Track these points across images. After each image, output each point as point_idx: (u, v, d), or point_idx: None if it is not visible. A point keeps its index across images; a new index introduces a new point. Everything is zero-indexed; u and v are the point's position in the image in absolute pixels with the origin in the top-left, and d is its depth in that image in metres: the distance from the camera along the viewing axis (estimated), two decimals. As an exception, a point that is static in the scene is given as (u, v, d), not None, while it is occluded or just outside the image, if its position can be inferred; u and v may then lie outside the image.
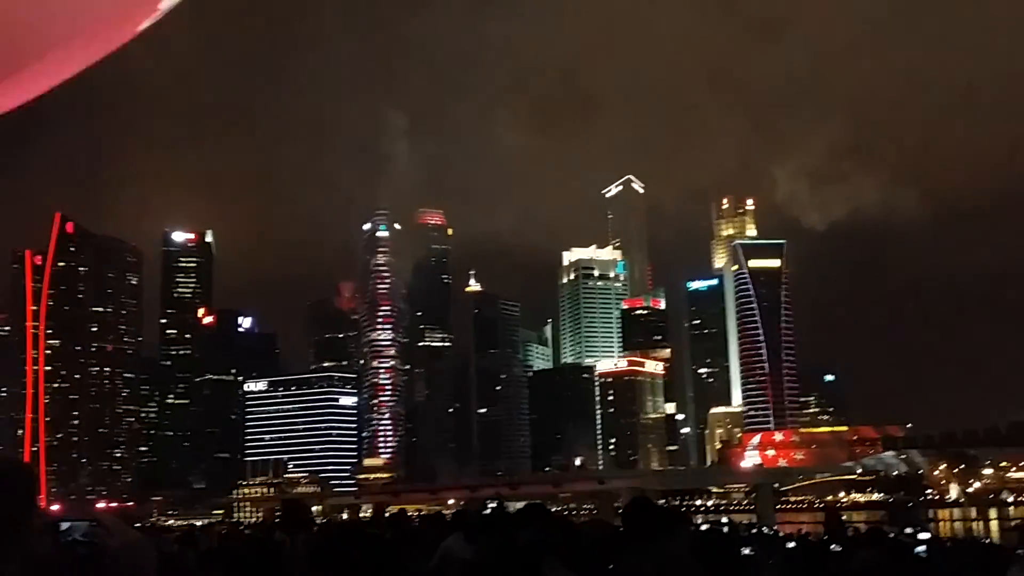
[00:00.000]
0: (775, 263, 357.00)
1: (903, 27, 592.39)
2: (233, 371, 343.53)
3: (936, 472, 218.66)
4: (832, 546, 15.58)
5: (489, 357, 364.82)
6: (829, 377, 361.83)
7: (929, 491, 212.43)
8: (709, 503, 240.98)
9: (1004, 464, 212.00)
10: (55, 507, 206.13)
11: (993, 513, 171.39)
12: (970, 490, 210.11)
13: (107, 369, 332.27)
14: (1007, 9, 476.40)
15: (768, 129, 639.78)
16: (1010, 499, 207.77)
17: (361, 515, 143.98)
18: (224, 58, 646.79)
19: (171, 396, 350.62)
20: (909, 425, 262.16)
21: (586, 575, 5.21)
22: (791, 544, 20.07)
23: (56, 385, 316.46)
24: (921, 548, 18.20)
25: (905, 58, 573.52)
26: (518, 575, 3.64)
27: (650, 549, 5.23)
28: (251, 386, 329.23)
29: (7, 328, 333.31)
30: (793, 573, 14.27)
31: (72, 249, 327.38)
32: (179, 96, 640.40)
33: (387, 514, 23.11)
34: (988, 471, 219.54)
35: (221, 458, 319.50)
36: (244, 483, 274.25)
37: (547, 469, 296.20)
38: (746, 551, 11.46)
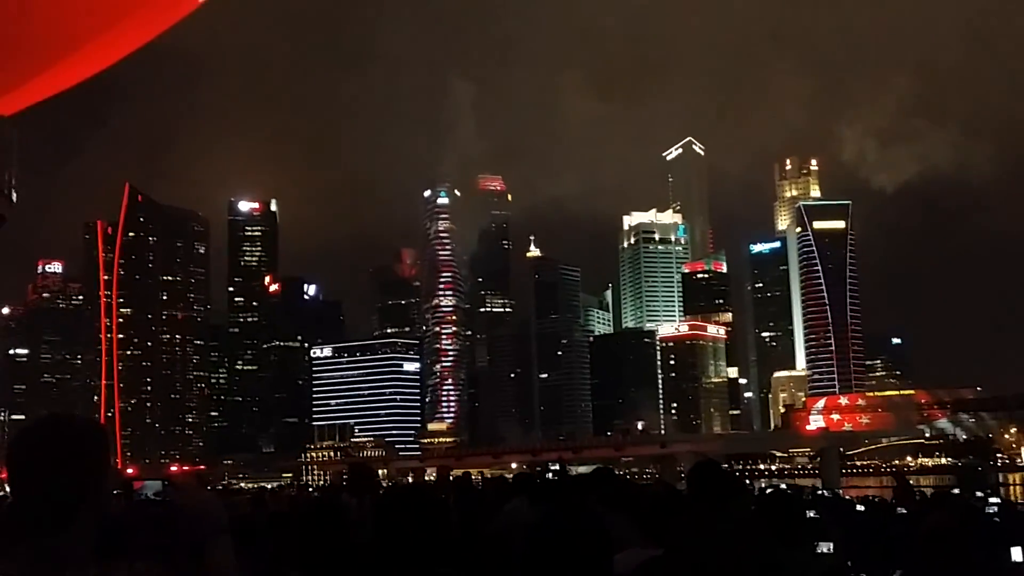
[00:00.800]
0: (840, 224, 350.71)
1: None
2: (299, 338, 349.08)
3: (1007, 435, 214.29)
4: (900, 509, 15.43)
5: (550, 322, 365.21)
6: (896, 340, 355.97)
7: (1000, 454, 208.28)
8: (773, 467, 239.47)
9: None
10: (130, 470, 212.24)
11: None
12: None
13: (177, 336, 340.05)
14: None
15: (833, 88, 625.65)
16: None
17: (426, 479, 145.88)
18: (288, 30, 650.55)
19: (240, 362, 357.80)
20: (979, 388, 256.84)
21: (652, 534, 5.25)
22: (859, 508, 19.89)
23: (129, 352, 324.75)
24: (992, 511, 17.92)
25: (973, 10, 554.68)
26: (585, 536, 3.65)
27: (715, 511, 5.18)
28: (317, 352, 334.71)
29: (81, 297, 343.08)
30: (861, 536, 14.15)
31: (141, 220, 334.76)
32: (244, 68, 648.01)
33: (451, 477, 23.40)
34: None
35: (289, 423, 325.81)
36: (311, 447, 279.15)
37: (608, 434, 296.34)
38: (811, 514, 11.40)
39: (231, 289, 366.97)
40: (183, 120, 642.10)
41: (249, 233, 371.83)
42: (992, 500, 24.16)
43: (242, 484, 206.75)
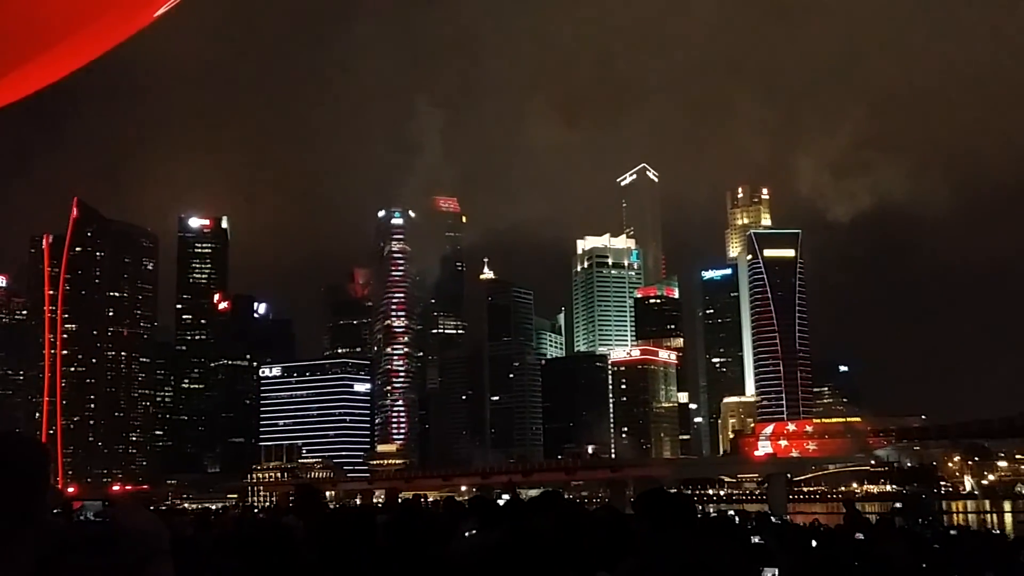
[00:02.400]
0: (790, 253, 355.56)
1: (926, 15, 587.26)
2: (248, 356, 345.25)
3: (950, 464, 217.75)
4: (851, 535, 15.58)
5: (502, 345, 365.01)
6: (844, 368, 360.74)
7: (943, 483, 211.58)
8: (721, 492, 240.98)
9: (1020, 456, 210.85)
10: (71, 489, 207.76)
11: (1007, 506, 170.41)
12: (984, 482, 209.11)
13: (123, 353, 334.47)
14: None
15: (789, 119, 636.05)
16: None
17: (374, 501, 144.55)
18: (241, 46, 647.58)
19: (186, 381, 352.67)
20: (924, 416, 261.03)
21: (600, 560, 5.30)
22: (804, 534, 20.03)
23: (73, 369, 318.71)
24: (934, 539, 18.17)
25: (925, 47, 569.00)
26: (536, 560, 3.65)
27: (660, 537, 5.33)
28: (266, 371, 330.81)
29: (24, 312, 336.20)
30: (806, 562, 14.25)
31: (89, 234, 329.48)
32: (200, 84, 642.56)
33: (400, 500, 23.16)
34: (1003, 463, 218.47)
35: (236, 443, 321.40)
36: (258, 467, 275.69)
37: (559, 457, 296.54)
38: (756, 539, 11.47)
39: (179, 306, 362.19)
40: (135, 135, 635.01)
41: (199, 250, 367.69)
42: (935, 528, 24.50)
43: (186, 505, 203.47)
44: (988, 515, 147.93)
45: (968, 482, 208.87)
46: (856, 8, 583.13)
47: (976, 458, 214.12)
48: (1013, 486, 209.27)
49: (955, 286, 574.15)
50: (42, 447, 3.19)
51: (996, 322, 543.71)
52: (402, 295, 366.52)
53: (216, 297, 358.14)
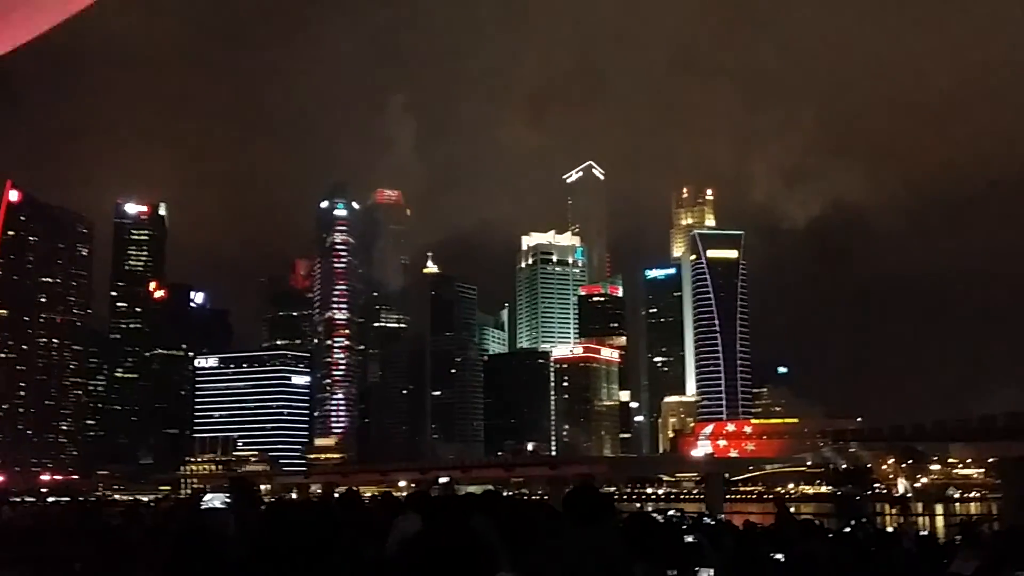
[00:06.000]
0: (732, 254, 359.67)
1: (881, 20, 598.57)
2: (184, 346, 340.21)
3: (884, 466, 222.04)
4: (782, 535, 15.79)
5: (445, 340, 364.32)
6: (782, 369, 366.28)
7: (877, 485, 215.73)
8: (660, 491, 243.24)
9: (952, 460, 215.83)
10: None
11: (939, 509, 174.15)
12: (917, 485, 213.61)
13: (55, 341, 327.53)
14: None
15: (738, 121, 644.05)
16: (956, 495, 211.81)
17: (311, 494, 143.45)
18: (189, 32, 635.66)
19: (120, 370, 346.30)
20: (860, 419, 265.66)
21: (526, 553, 5.42)
22: (737, 534, 20.27)
23: (2, 356, 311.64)
24: (866, 540, 18.50)
25: (880, 53, 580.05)
26: (461, 554, 3.68)
27: (584, 533, 5.46)
28: (202, 362, 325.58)
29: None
30: (741, 562, 14.42)
31: (22, 219, 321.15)
32: (140, 69, 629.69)
33: (336, 494, 22.97)
34: (936, 467, 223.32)
35: (169, 434, 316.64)
36: (192, 460, 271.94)
37: (500, 453, 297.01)
38: (689, 539, 11.57)
39: (114, 294, 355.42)
40: (71, 117, 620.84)
41: (135, 237, 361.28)
42: (866, 529, 24.94)
43: (117, 496, 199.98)
44: (920, 518, 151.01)
45: (902, 484, 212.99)
46: (813, 13, 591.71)
47: (910, 461, 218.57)
48: (945, 489, 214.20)
49: (899, 292, 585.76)
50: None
51: (937, 329, 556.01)
52: (344, 287, 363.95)
53: (152, 285, 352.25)
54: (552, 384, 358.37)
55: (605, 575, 4.25)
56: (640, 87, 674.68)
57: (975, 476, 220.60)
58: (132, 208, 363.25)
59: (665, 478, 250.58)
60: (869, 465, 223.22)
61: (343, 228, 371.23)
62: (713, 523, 26.38)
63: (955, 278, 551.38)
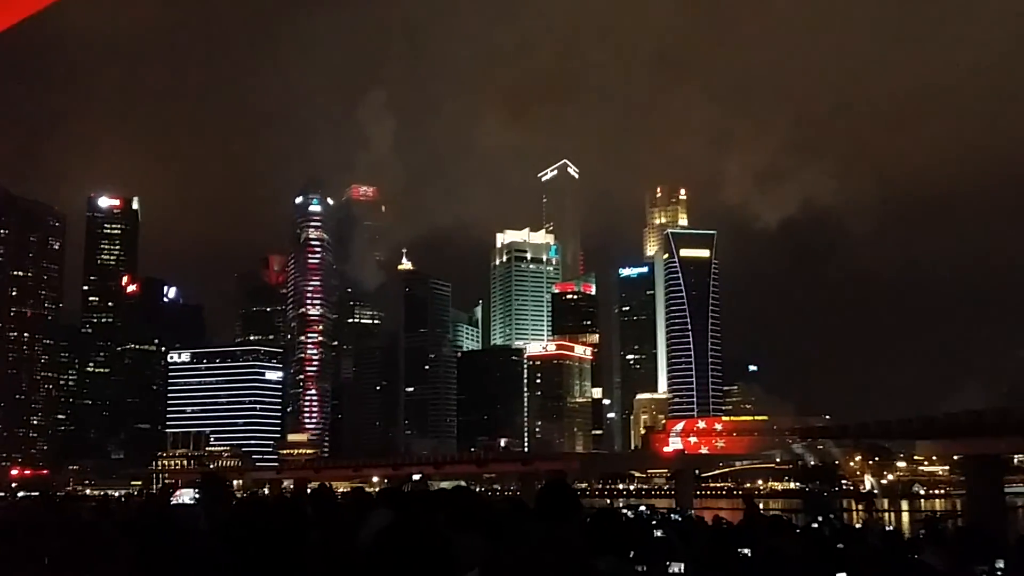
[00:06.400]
0: (705, 253, 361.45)
1: (851, 23, 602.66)
2: (156, 341, 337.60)
3: (852, 463, 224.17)
4: (749, 531, 15.99)
5: (419, 336, 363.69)
6: (753, 367, 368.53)
7: (844, 481, 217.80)
8: (632, 487, 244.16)
9: (917, 457, 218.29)
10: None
11: (905, 505, 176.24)
12: (884, 481, 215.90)
13: (26, 334, 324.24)
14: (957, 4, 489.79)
15: (714, 122, 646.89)
16: (921, 491, 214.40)
17: (283, 490, 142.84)
18: (158, 24, 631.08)
19: (91, 364, 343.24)
20: (828, 416, 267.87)
21: (490, 542, 5.60)
22: (706, 529, 20.49)
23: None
24: (832, 535, 18.74)
25: (852, 55, 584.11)
26: (429, 542, 3.76)
27: (547, 527, 5.59)
28: (174, 357, 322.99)
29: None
30: (710, 557, 14.60)
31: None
32: (111, 60, 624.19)
33: (309, 490, 23.01)
34: (902, 464, 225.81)
35: (141, 429, 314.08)
36: (164, 455, 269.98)
37: (473, 450, 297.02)
38: (658, 533, 11.76)
39: (86, 288, 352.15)
40: (44, 111, 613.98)
41: (108, 231, 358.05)
42: (833, 524, 25.25)
43: (88, 491, 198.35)
44: (886, 514, 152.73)
45: (868, 481, 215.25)
46: (788, 16, 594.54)
47: (877, 458, 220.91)
48: (910, 486, 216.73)
49: (868, 292, 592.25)
50: None
51: (904, 328, 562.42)
52: (318, 283, 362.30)
53: (124, 279, 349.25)
54: (525, 381, 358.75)
55: (564, 568, 4.26)
56: (616, 88, 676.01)
57: (940, 473, 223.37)
58: (105, 202, 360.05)
59: (637, 474, 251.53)
60: (837, 462, 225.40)
61: (317, 224, 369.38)
62: (680, 519, 26.67)
63: (922, 278, 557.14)
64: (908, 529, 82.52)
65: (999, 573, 13.08)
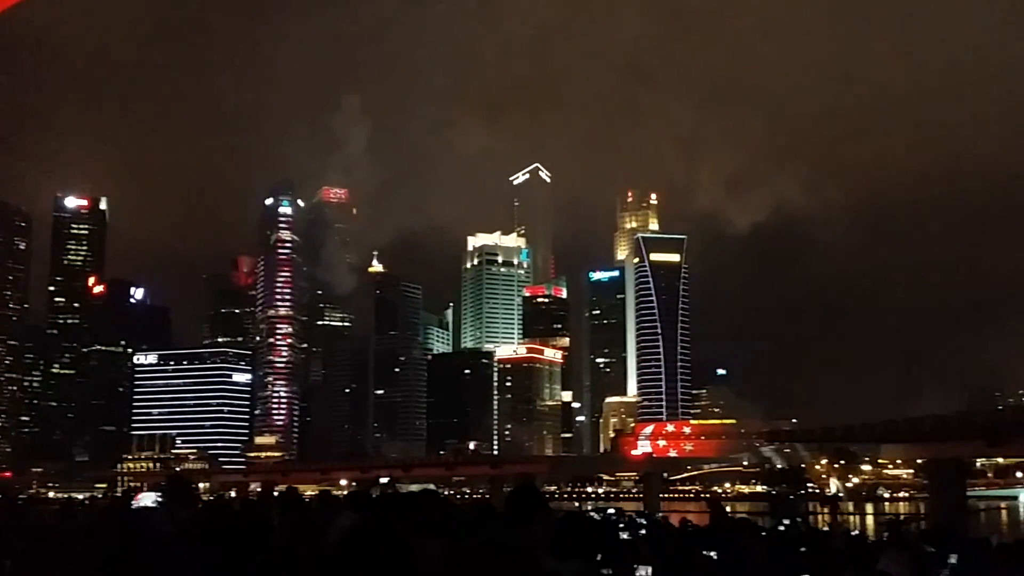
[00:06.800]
0: (675, 257, 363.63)
1: (827, 28, 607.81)
2: (123, 343, 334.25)
3: (817, 467, 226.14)
4: (716, 533, 16.08)
5: (389, 339, 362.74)
6: (721, 371, 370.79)
7: (810, 485, 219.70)
8: (600, 491, 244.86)
9: (882, 461, 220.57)
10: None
11: (870, 508, 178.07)
12: (849, 485, 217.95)
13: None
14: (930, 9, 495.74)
15: (681, 126, 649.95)
16: (886, 495, 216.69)
17: (250, 493, 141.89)
18: (127, 23, 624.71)
19: (56, 366, 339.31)
20: (794, 420, 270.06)
21: (456, 544, 5.46)
22: (673, 532, 20.59)
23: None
24: (798, 538, 18.88)
25: (824, 61, 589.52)
26: (391, 545, 3.80)
27: (509, 530, 5.61)
28: (141, 359, 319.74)
29: None
30: (677, 560, 14.68)
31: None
32: (77, 58, 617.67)
33: (276, 493, 22.89)
34: (867, 467, 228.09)
35: (106, 431, 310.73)
36: (129, 457, 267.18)
37: (442, 453, 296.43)
38: (625, 536, 11.83)
39: (52, 288, 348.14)
40: (8, 108, 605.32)
41: (75, 231, 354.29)
42: (799, 527, 25.44)
43: (51, 494, 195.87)
44: (851, 516, 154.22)
45: (834, 484, 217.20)
46: (761, 22, 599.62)
47: (843, 461, 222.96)
48: (875, 489, 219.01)
49: (836, 297, 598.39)
50: None
51: (871, 333, 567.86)
52: (288, 285, 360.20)
53: (91, 280, 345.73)
54: (495, 384, 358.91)
55: (527, 572, 4.34)
56: (589, 92, 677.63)
57: (904, 476, 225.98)
58: (72, 202, 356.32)
59: (605, 477, 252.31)
60: (803, 465, 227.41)
61: (287, 225, 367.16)
62: (646, 522, 26.73)
63: (889, 285, 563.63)
64: (873, 532, 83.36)
65: (950, 565, 13.35)
